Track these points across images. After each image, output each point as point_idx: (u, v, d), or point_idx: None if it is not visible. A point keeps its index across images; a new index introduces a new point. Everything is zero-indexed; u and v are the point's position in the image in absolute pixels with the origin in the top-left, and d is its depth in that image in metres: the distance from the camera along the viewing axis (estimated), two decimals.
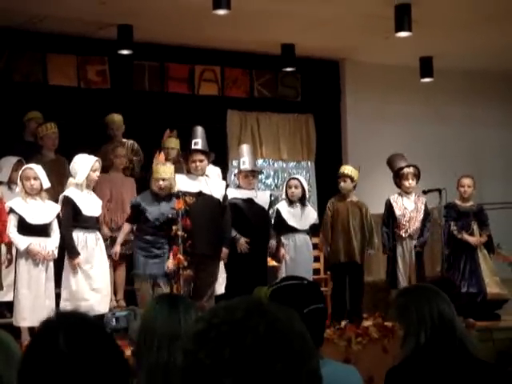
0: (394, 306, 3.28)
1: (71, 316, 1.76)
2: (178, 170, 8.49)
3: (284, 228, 8.34)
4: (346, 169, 8.59)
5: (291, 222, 8.37)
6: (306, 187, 8.67)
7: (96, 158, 7.47)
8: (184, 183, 7.62)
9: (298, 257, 8.34)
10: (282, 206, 8.43)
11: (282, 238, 8.37)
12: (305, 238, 8.45)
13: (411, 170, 8.64)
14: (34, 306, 6.85)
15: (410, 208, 8.59)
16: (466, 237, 8.71)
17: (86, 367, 1.61)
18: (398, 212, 8.57)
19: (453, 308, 3.14)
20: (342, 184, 8.50)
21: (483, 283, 8.61)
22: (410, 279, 8.46)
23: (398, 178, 8.69)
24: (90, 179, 7.29)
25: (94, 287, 7.17)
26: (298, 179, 8.58)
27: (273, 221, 8.46)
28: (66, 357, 1.61)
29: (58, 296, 7.12)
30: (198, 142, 7.77)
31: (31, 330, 6.61)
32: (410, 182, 8.61)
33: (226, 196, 7.82)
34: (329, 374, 2.63)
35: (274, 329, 1.32)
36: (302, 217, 8.45)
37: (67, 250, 7.14)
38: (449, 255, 8.81)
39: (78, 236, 7.18)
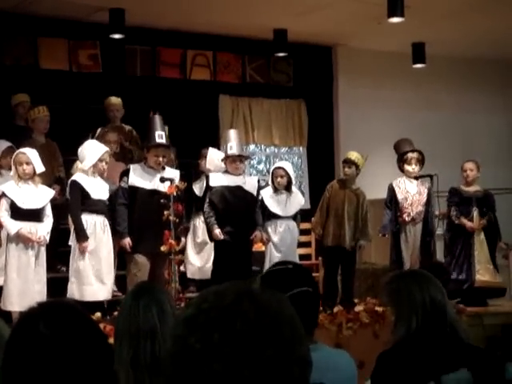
0: (386, 290, 3.28)
1: (52, 303, 1.78)
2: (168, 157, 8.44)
3: (267, 215, 8.32)
4: (353, 155, 8.52)
5: (273, 208, 8.35)
6: (292, 174, 8.59)
7: (106, 149, 7.44)
8: (138, 177, 7.47)
9: (280, 243, 8.33)
10: (266, 193, 8.40)
11: (266, 224, 8.35)
12: (288, 224, 8.41)
13: (415, 154, 8.63)
14: (22, 291, 6.86)
15: (412, 192, 8.57)
16: (464, 221, 8.68)
17: (65, 349, 1.62)
18: (400, 196, 8.54)
19: (445, 294, 3.15)
20: (347, 170, 8.43)
21: (473, 271, 8.59)
22: (412, 264, 8.43)
23: (402, 162, 8.67)
24: (96, 168, 7.28)
25: (99, 273, 7.18)
26: (283, 168, 8.53)
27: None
28: (46, 339, 1.63)
29: (48, 281, 7.12)
30: (162, 135, 7.58)
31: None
32: (413, 167, 8.59)
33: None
34: (321, 358, 2.64)
35: (263, 314, 1.32)
36: (287, 204, 8.43)
37: (76, 233, 7.13)
38: (448, 240, 8.80)
39: (87, 220, 7.17)
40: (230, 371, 1.27)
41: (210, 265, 8.43)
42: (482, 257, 8.66)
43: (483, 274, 8.62)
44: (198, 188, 8.78)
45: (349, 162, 8.43)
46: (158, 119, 7.73)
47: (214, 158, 8.69)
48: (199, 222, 8.81)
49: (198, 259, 8.84)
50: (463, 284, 8.57)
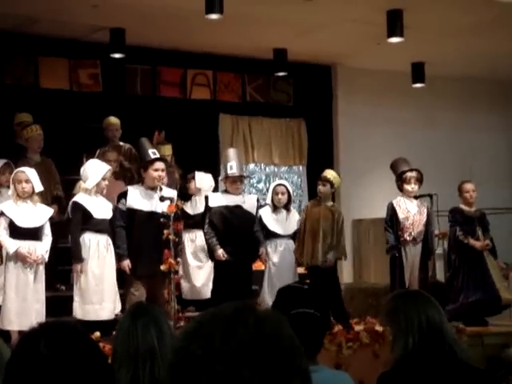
0: (384, 310, 3.29)
1: (53, 323, 1.78)
2: (172, 176, 8.51)
3: (266, 234, 8.32)
4: (329, 173, 8.56)
5: (273, 227, 8.36)
6: (292, 192, 8.66)
7: (108, 167, 7.47)
8: (136, 199, 7.48)
9: (280, 262, 8.32)
10: (265, 212, 8.41)
11: (265, 243, 8.33)
12: (287, 243, 8.43)
13: (414, 174, 8.61)
14: (21, 310, 6.84)
15: (413, 211, 8.54)
16: (473, 242, 8.64)
17: (67, 369, 1.62)
18: (401, 215, 8.50)
19: (443, 314, 3.15)
20: (321, 188, 8.44)
21: (496, 288, 8.53)
22: (410, 283, 8.39)
23: (401, 181, 8.66)
24: (99, 187, 7.30)
25: (102, 292, 7.18)
26: (284, 185, 8.57)
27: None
28: (47, 359, 1.62)
29: (47, 300, 7.10)
30: (155, 152, 7.68)
31: (22, 333, 6.59)
32: (412, 187, 8.57)
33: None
34: (322, 380, 2.64)
35: (263, 323, 1.34)
36: (286, 222, 8.44)
37: (72, 254, 7.15)
38: (454, 261, 8.76)
39: (91, 239, 7.18)
40: (232, 372, 1.28)
41: (200, 284, 8.51)
42: (496, 275, 8.64)
43: (503, 292, 8.58)
44: (189, 208, 8.82)
45: (324, 180, 8.44)
46: (145, 140, 7.84)
47: (202, 177, 8.81)
48: (187, 241, 8.82)
49: (188, 280, 8.83)
50: (491, 303, 8.50)
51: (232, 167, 8.05)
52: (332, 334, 7.44)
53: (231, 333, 1.31)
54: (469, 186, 8.85)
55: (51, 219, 7.37)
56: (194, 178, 8.96)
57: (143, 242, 7.38)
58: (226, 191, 8.15)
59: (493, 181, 12.16)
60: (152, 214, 7.40)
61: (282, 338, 1.34)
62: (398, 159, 8.88)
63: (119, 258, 7.38)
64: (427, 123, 12.25)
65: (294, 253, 8.50)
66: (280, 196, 8.42)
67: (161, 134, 9.45)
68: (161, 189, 7.58)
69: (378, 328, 7.48)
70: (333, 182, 8.42)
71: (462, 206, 8.84)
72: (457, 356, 3.04)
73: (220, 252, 7.77)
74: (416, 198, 8.66)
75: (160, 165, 7.55)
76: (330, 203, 8.52)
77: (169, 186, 7.96)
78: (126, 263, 7.35)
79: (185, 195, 8.82)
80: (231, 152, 8.38)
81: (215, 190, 9.30)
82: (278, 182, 9.01)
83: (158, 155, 7.67)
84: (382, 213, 8.91)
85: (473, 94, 12.57)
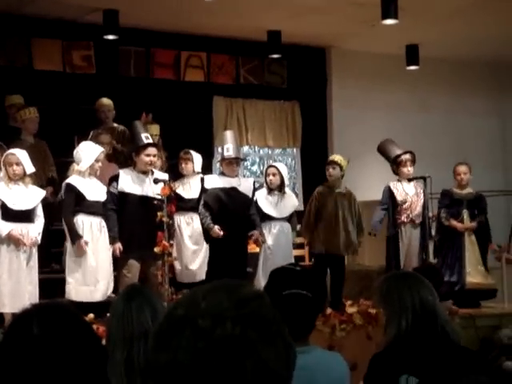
0: (377, 292, 3.29)
1: (46, 304, 1.78)
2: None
3: (261, 216, 8.31)
4: (336, 157, 8.56)
5: (267, 210, 8.34)
6: (285, 175, 8.61)
7: (101, 149, 7.45)
8: (128, 183, 7.46)
9: (275, 244, 8.31)
10: (260, 194, 8.40)
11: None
12: (282, 225, 8.41)
13: (408, 156, 8.66)
14: (14, 292, 6.84)
15: (410, 193, 8.59)
16: (454, 223, 8.69)
17: (59, 350, 1.62)
18: (399, 198, 8.55)
19: (435, 295, 3.16)
20: (331, 170, 8.39)
21: (463, 272, 8.60)
22: (407, 265, 8.41)
23: (396, 165, 8.67)
24: (93, 169, 7.28)
25: (95, 274, 7.17)
26: (275, 167, 8.55)
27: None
28: (39, 340, 1.63)
29: (40, 282, 7.10)
30: (148, 136, 7.65)
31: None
32: (408, 169, 8.62)
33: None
34: (314, 360, 2.65)
35: (249, 298, 1.35)
36: (281, 205, 8.42)
37: (69, 235, 7.14)
38: (438, 242, 8.82)
39: (84, 221, 7.17)
40: (215, 325, 1.28)
41: (196, 268, 8.51)
42: (472, 258, 8.66)
43: (474, 276, 8.62)
44: (182, 191, 8.79)
45: (332, 164, 8.43)
46: (139, 123, 7.84)
47: (200, 160, 8.79)
48: (183, 224, 8.80)
49: (184, 263, 8.82)
50: (455, 286, 8.57)
51: (228, 149, 8.04)
52: (325, 315, 7.47)
53: (213, 294, 1.32)
54: (461, 169, 8.88)
55: (45, 201, 7.35)
56: (189, 159, 8.90)
57: (135, 226, 7.37)
58: (222, 173, 8.14)
59: (486, 163, 12.17)
60: (144, 198, 7.40)
61: (265, 304, 1.35)
62: (385, 142, 8.89)
63: (111, 241, 7.38)
64: (421, 106, 12.24)
65: (302, 234, 8.50)
66: (271, 177, 8.42)
67: (148, 116, 9.41)
68: (152, 172, 7.58)
69: (371, 310, 7.52)
70: (341, 164, 8.41)
71: (454, 189, 8.87)
72: (449, 337, 3.06)
73: (216, 228, 7.73)
74: (410, 180, 8.68)
75: (152, 150, 7.54)
76: (342, 188, 8.46)
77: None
78: (117, 246, 7.34)
79: (176, 176, 8.80)
80: (228, 134, 8.36)
81: (208, 171, 9.28)
82: (270, 164, 9.00)
83: (150, 140, 7.64)
84: (376, 195, 8.92)
85: (467, 78, 12.56)
